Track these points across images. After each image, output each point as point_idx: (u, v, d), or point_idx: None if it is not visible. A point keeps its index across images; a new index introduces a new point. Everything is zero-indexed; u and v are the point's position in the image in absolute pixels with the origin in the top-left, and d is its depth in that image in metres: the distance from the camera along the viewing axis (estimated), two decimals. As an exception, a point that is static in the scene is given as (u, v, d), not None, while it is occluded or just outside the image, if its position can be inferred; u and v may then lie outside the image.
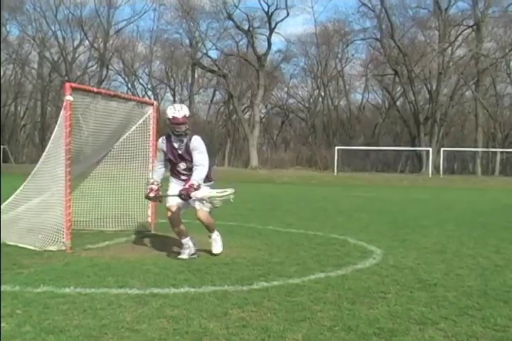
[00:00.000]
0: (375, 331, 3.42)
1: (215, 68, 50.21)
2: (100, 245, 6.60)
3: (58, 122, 6.47)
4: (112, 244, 6.75)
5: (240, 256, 5.97)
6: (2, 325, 3.38)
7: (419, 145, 44.68)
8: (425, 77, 46.60)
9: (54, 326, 3.38)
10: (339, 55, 55.61)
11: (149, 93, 56.73)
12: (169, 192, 5.96)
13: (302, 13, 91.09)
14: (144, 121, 7.86)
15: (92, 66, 57.30)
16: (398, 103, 52.35)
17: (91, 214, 7.86)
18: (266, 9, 46.97)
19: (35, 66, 57.41)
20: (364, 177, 36.01)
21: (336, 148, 41.91)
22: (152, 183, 5.99)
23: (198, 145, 5.84)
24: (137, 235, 7.45)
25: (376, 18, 48.05)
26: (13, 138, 56.21)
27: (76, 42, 55.64)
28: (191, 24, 49.66)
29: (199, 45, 50.91)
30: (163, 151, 5.95)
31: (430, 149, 41.48)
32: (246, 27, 47.86)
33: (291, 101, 60.47)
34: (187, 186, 5.63)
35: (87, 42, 55.10)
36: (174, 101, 57.46)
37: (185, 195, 5.60)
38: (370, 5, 47.66)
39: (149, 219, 7.88)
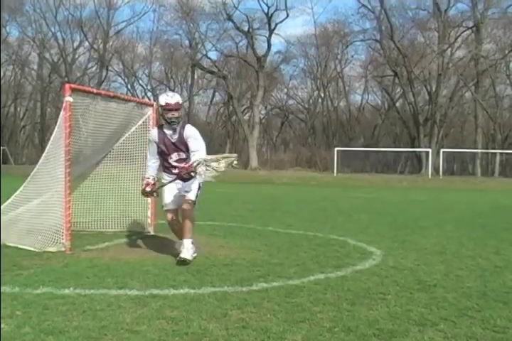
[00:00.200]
0: (374, 332, 3.42)
1: (215, 69, 50.23)
2: (100, 246, 6.60)
3: (58, 123, 6.47)
4: (112, 245, 6.75)
5: (239, 257, 5.97)
6: (2, 326, 3.38)
7: (419, 147, 44.70)
8: (425, 79, 46.64)
9: (53, 327, 3.38)
10: (339, 56, 55.70)
11: (149, 94, 56.72)
12: (165, 193, 5.88)
13: (302, 15, 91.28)
14: (143, 122, 7.86)
15: (92, 67, 57.34)
16: (398, 104, 52.39)
17: (90, 215, 7.86)
18: (266, 10, 47.01)
19: (35, 67, 57.44)
20: (364, 178, 36.00)
21: (336, 149, 41.90)
22: (148, 178, 5.92)
23: (192, 132, 5.77)
24: (137, 236, 7.45)
25: (376, 20, 48.08)
26: (12, 139, 56.20)
27: (76, 44, 55.69)
28: (191, 25, 49.68)
29: (199, 46, 50.91)
30: (155, 143, 5.86)
31: (430, 150, 41.49)
32: (246, 28, 47.88)
33: (290, 102, 60.61)
34: (186, 165, 5.54)
35: (86, 43, 55.18)
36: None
37: (186, 173, 5.50)
38: (369, 6, 47.72)
39: (149, 220, 7.87)
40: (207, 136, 54.16)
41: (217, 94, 58.77)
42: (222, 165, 5.49)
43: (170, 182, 5.78)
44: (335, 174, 39.28)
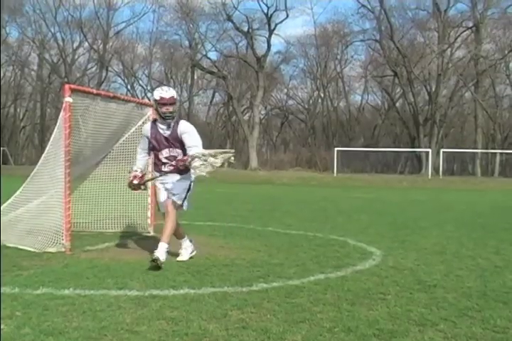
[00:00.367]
0: (374, 332, 3.42)
1: (215, 69, 50.24)
2: (100, 247, 6.60)
3: (58, 124, 6.48)
4: (112, 245, 6.75)
5: (239, 257, 5.97)
6: (2, 326, 3.38)
7: (419, 147, 44.71)
8: (424, 79, 46.66)
9: (53, 328, 3.38)
10: (338, 57, 55.72)
11: (149, 94, 56.62)
12: (160, 194, 5.79)
13: (302, 15, 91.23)
14: (143, 123, 7.85)
15: (92, 68, 57.32)
16: (398, 104, 52.39)
17: (90, 216, 7.86)
18: (265, 11, 47.01)
19: (35, 68, 57.44)
20: (364, 178, 36.00)
21: (336, 149, 41.91)
22: (135, 170, 5.84)
23: (187, 128, 5.67)
24: (137, 237, 7.45)
25: (375, 20, 48.10)
26: (12, 139, 56.18)
27: (75, 44, 55.66)
28: (191, 26, 49.69)
29: (198, 46, 50.93)
30: (146, 138, 5.78)
31: (430, 150, 41.50)
32: (245, 28, 47.87)
33: (290, 102, 60.60)
34: (184, 158, 5.49)
35: (86, 43, 55.14)
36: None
37: (182, 165, 5.46)
38: (369, 6, 47.75)
39: (149, 221, 7.88)
40: (207, 136, 54.26)
41: (217, 94, 58.85)
42: (218, 161, 5.43)
43: (159, 176, 5.72)
44: (335, 174, 39.29)
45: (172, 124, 5.66)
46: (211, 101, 59.62)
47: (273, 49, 51.66)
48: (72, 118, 6.30)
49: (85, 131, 6.73)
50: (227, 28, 49.11)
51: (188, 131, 5.64)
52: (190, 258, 5.81)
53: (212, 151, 5.49)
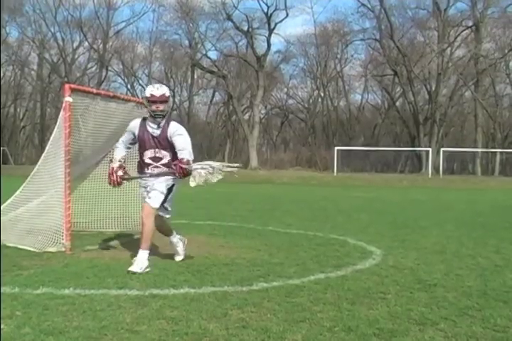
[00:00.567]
0: (374, 331, 3.42)
1: (215, 69, 50.24)
2: (100, 246, 6.60)
3: (57, 123, 6.47)
4: (112, 245, 6.74)
5: (239, 256, 5.97)
6: (2, 326, 3.38)
7: (419, 146, 44.70)
8: (424, 78, 46.67)
9: (53, 327, 3.38)
10: (338, 56, 55.72)
11: (149, 94, 56.60)
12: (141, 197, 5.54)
13: (301, 14, 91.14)
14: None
15: (92, 67, 57.37)
16: (398, 103, 52.40)
17: (90, 216, 7.86)
18: (265, 10, 47.02)
19: (35, 67, 57.47)
20: (364, 177, 36.00)
21: (336, 148, 41.91)
22: (119, 160, 5.54)
23: (178, 130, 5.38)
24: (137, 236, 7.43)
25: (375, 19, 48.11)
26: (12, 139, 56.20)
27: (75, 44, 55.71)
28: (190, 25, 49.71)
29: (198, 46, 50.94)
30: (132, 133, 5.51)
31: (430, 149, 41.50)
32: (245, 28, 47.89)
33: (290, 101, 60.63)
34: (176, 162, 5.22)
35: (86, 43, 55.20)
36: (174, 102, 57.58)
37: (180, 174, 5.18)
38: (369, 5, 47.77)
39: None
40: (207, 135, 54.39)
41: (217, 93, 58.86)
42: (221, 176, 5.28)
43: (139, 177, 5.51)
44: (335, 173, 39.29)
45: (162, 124, 5.40)
46: (211, 101, 59.66)
47: (273, 48, 51.73)
48: (72, 117, 6.29)
49: (85, 130, 6.73)
50: (227, 27, 49.20)
51: (180, 133, 5.39)
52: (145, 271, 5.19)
53: (219, 165, 5.27)
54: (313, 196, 19.49)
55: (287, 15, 47.19)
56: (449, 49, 45.76)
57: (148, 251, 5.28)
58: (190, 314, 3.72)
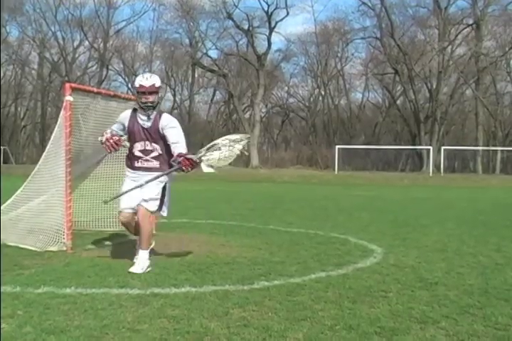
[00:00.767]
0: (376, 330, 3.42)
1: (215, 68, 50.26)
2: (101, 245, 6.60)
3: (58, 122, 6.47)
4: (113, 244, 6.75)
5: (240, 255, 5.97)
6: (2, 325, 3.38)
7: (420, 144, 44.70)
8: (425, 76, 46.64)
9: (55, 326, 3.38)
10: (339, 54, 55.72)
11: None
12: (124, 187, 5.25)
13: (302, 13, 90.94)
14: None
15: (92, 66, 57.40)
16: (398, 102, 52.38)
17: (91, 215, 7.86)
18: (266, 9, 47.06)
19: (35, 67, 57.51)
20: (364, 176, 35.99)
21: (337, 147, 41.94)
22: (113, 134, 5.30)
23: (169, 121, 5.19)
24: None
25: (376, 17, 48.13)
26: (13, 138, 56.25)
27: (76, 43, 55.77)
28: (191, 24, 49.72)
29: (199, 44, 50.98)
30: (122, 125, 5.34)
31: (431, 148, 41.49)
32: (246, 26, 47.93)
33: (291, 100, 60.63)
34: (177, 157, 5.00)
35: (86, 42, 55.24)
36: (174, 101, 57.66)
37: (187, 166, 4.95)
38: (370, 4, 47.79)
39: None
40: (208, 134, 54.32)
41: (217, 92, 58.89)
42: (232, 153, 5.05)
43: (174, 170, 5.12)
44: (336, 172, 39.30)
45: (153, 116, 5.18)
46: (212, 100, 59.68)
47: (273, 47, 51.73)
48: (72, 117, 6.29)
49: (86, 129, 6.73)
50: (228, 26, 49.24)
51: (173, 126, 5.18)
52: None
53: (225, 141, 5.03)
54: (314, 195, 19.49)
55: (288, 13, 47.28)
56: (450, 47, 45.75)
57: (148, 251, 5.28)
58: (192, 313, 3.72)
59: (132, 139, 5.27)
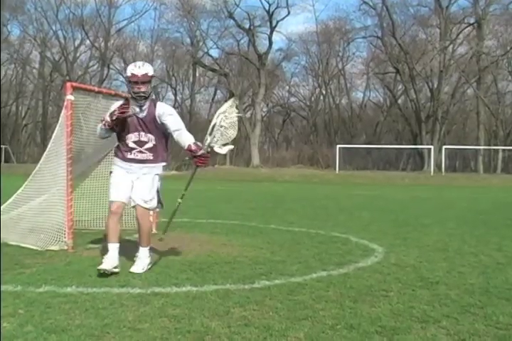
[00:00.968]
0: (377, 329, 3.41)
1: (216, 67, 50.26)
2: (102, 244, 6.59)
3: (59, 121, 6.47)
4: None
5: (241, 254, 5.97)
6: (4, 324, 3.38)
7: (421, 144, 44.69)
8: (426, 75, 46.61)
9: (56, 325, 3.38)
10: (340, 54, 55.73)
11: (150, 92, 56.64)
12: (113, 180, 5.07)
13: (303, 12, 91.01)
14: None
15: (93, 65, 57.40)
16: (400, 101, 52.35)
17: (92, 214, 7.87)
18: (267, 8, 47.05)
19: (37, 66, 57.52)
20: (366, 175, 36.00)
21: (338, 146, 41.94)
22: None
23: (166, 110, 5.05)
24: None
25: (377, 16, 48.11)
26: (14, 137, 56.29)
27: (77, 42, 55.80)
28: (192, 23, 49.71)
29: (200, 44, 50.98)
30: None
31: (432, 147, 41.48)
32: (247, 26, 47.91)
33: (292, 99, 60.64)
34: (192, 149, 4.88)
35: (88, 41, 55.21)
36: (176, 100, 57.65)
37: (203, 164, 4.92)
38: (371, 3, 47.76)
39: (151, 219, 7.86)
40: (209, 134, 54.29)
41: (218, 91, 58.86)
42: (232, 116, 4.90)
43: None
44: (337, 171, 39.31)
45: (147, 106, 4.99)
46: (213, 99, 59.64)
47: (274, 46, 51.78)
48: (73, 116, 6.30)
49: (87, 128, 6.73)
50: (229, 25, 49.22)
51: (170, 113, 5.04)
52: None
53: (222, 110, 4.92)
54: (315, 194, 19.49)
55: (289, 13, 47.26)
56: (451, 46, 45.69)
57: (148, 248, 5.28)
58: (193, 312, 3.72)
59: (126, 130, 5.04)
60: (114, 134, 5.20)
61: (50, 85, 55.96)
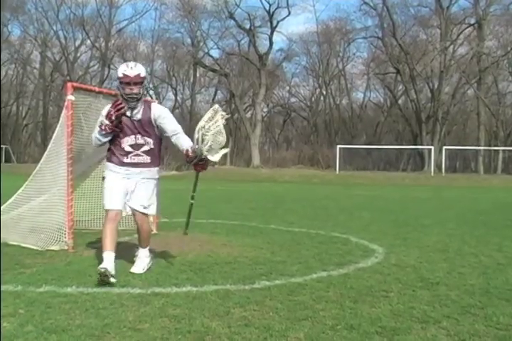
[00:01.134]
0: (377, 330, 3.41)
1: (217, 67, 50.25)
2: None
3: (60, 122, 6.48)
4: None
5: (241, 255, 5.97)
6: (4, 324, 3.39)
7: (421, 144, 44.67)
8: (427, 76, 46.61)
9: (56, 325, 3.38)
10: (341, 54, 55.75)
11: (151, 92, 56.74)
12: (108, 186, 4.95)
13: (304, 12, 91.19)
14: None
15: (94, 66, 57.42)
16: (400, 101, 52.34)
17: (93, 214, 7.86)
18: (267, 8, 47.05)
19: (37, 66, 57.55)
20: (366, 175, 36.00)
21: (338, 146, 41.93)
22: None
23: (162, 111, 4.90)
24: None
25: (378, 17, 48.12)
26: (15, 137, 56.32)
27: (78, 42, 55.83)
28: (193, 23, 49.72)
29: (201, 44, 50.98)
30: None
31: (432, 148, 41.48)
32: (247, 26, 47.91)
33: (292, 100, 60.62)
34: (189, 155, 4.70)
35: (88, 41, 55.22)
36: (176, 101, 57.67)
37: (200, 170, 4.78)
38: (371, 3, 47.76)
39: (151, 219, 7.86)
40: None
41: (219, 92, 58.83)
42: (217, 124, 4.69)
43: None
44: (337, 172, 39.31)
45: (140, 107, 4.83)
46: (213, 99, 59.53)
47: (275, 46, 51.84)
48: (74, 116, 6.30)
49: (87, 128, 6.72)
50: (229, 25, 49.24)
51: (166, 115, 4.89)
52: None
53: (206, 117, 4.69)
54: (316, 194, 19.49)
55: (289, 13, 47.29)
56: (452, 47, 45.68)
57: (148, 248, 5.27)
58: (193, 312, 3.72)
59: (121, 134, 4.85)
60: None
61: (51, 85, 55.98)
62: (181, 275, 4.88)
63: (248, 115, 52.50)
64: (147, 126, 4.85)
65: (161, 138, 5.04)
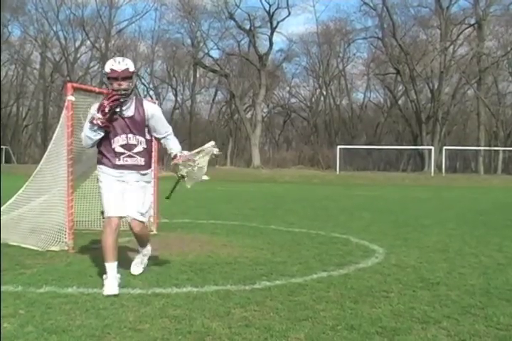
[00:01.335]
0: (377, 330, 3.41)
1: (217, 68, 50.29)
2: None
3: (60, 122, 6.48)
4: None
5: (242, 255, 5.97)
6: (4, 325, 3.39)
7: (421, 144, 44.69)
8: (427, 76, 46.63)
9: (57, 326, 3.38)
10: (341, 54, 55.79)
11: (151, 93, 56.84)
12: (105, 191, 4.63)
13: (304, 12, 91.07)
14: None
15: (94, 66, 57.42)
16: (400, 102, 52.38)
17: (93, 214, 7.86)
18: (267, 8, 47.11)
19: (37, 66, 57.59)
20: (366, 176, 36.00)
21: (338, 147, 41.93)
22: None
23: (156, 110, 4.63)
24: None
25: (378, 17, 48.16)
26: (15, 138, 56.35)
27: (78, 43, 55.89)
28: (193, 24, 49.78)
29: (201, 44, 51.04)
30: None
31: (432, 148, 41.49)
32: (247, 26, 47.97)
33: (293, 100, 60.65)
34: (175, 158, 4.62)
35: (88, 42, 55.32)
36: (176, 101, 57.67)
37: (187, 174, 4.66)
38: (371, 4, 47.81)
39: (151, 219, 7.87)
40: (209, 134, 54.33)
41: (219, 92, 58.90)
42: (204, 159, 4.65)
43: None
44: (337, 172, 39.31)
45: (131, 104, 4.53)
46: (213, 100, 59.70)
47: (275, 47, 51.89)
48: (74, 116, 6.30)
49: (88, 129, 6.73)
50: (229, 26, 49.31)
51: (160, 116, 4.66)
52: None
53: (193, 152, 4.66)
54: (316, 195, 19.49)
55: (289, 13, 47.37)
56: (452, 47, 45.72)
57: (148, 248, 5.24)
58: (193, 313, 3.72)
59: (112, 133, 4.49)
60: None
61: (51, 86, 56.00)
62: (182, 275, 4.88)
63: (248, 115, 52.51)
64: (139, 124, 4.54)
65: (152, 139, 4.80)
